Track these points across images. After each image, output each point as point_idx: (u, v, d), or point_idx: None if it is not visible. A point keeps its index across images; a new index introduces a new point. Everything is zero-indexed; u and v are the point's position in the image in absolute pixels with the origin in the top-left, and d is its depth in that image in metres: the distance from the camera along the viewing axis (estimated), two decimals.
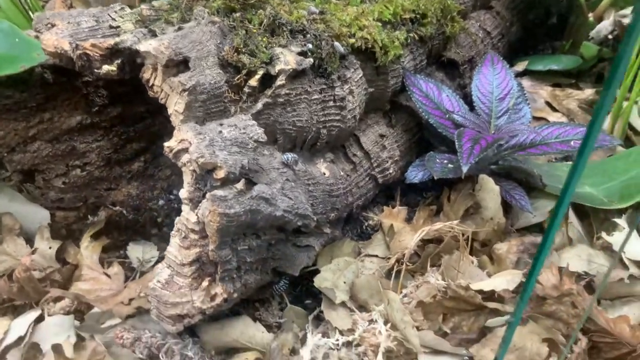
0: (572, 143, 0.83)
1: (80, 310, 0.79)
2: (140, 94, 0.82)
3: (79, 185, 0.89)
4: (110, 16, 0.71)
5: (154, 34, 0.69)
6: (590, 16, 1.08)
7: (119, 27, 0.70)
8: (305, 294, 0.82)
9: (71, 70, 0.79)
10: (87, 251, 0.83)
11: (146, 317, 0.75)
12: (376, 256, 0.84)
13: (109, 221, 0.91)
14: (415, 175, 0.88)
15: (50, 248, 0.84)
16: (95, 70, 0.67)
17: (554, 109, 1.06)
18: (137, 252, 0.87)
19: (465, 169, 0.75)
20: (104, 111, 0.86)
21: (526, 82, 1.10)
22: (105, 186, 0.91)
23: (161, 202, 0.95)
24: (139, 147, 0.92)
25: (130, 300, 0.77)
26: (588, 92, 1.09)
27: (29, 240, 0.86)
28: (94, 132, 0.87)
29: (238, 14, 0.73)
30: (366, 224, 0.89)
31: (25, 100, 0.80)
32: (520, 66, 1.10)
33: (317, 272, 0.80)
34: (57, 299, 0.79)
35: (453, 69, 0.98)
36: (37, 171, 0.87)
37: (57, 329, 0.74)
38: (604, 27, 1.38)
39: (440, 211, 0.90)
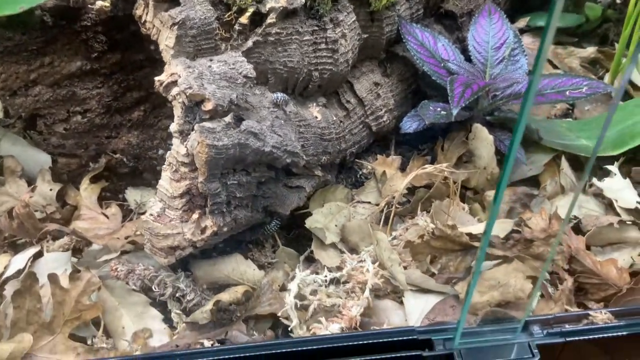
0: (567, 93, 0.83)
1: (79, 249, 0.82)
2: (139, 42, 0.84)
3: (80, 131, 0.91)
4: None
5: None
6: None
7: None
8: (299, 237, 0.83)
9: (70, 14, 0.81)
10: (86, 192, 0.86)
11: (141, 253, 0.77)
12: (369, 202, 0.85)
13: (109, 167, 0.93)
14: (410, 125, 0.88)
15: (50, 190, 0.87)
16: (90, 6, 0.69)
17: (555, 67, 1.06)
18: (135, 195, 0.89)
19: (455, 112, 0.76)
20: (104, 57, 0.87)
21: (527, 39, 1.09)
22: (105, 134, 0.93)
23: (161, 151, 0.97)
24: (138, 96, 0.93)
25: (127, 237, 0.79)
26: (590, 51, 1.08)
27: (31, 183, 0.88)
28: (94, 78, 0.89)
29: None
30: (360, 172, 0.90)
31: (26, 43, 0.82)
32: (522, 22, 1.10)
33: (310, 215, 0.81)
34: (56, 237, 0.82)
35: (451, 21, 0.98)
36: (38, 116, 0.89)
37: (55, 264, 0.77)
38: None
39: (435, 161, 0.90)
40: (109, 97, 0.91)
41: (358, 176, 0.90)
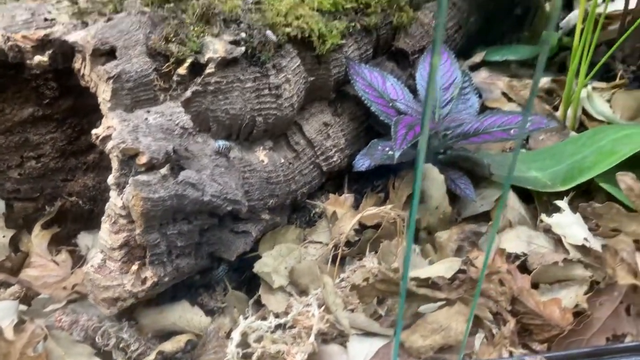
0: (511, 131, 0.84)
1: (29, 297, 0.82)
2: None
3: (35, 176, 0.92)
4: (47, 9, 0.73)
5: (85, 25, 0.71)
6: (547, 6, 1.08)
7: (54, 19, 0.72)
8: (250, 279, 0.83)
9: (18, 64, 0.82)
10: (37, 239, 0.86)
11: (87, 302, 0.77)
12: (320, 242, 0.86)
13: (64, 211, 0.94)
14: (362, 163, 0.89)
15: (3, 237, 0.87)
16: (28, 62, 0.69)
17: (510, 99, 1.07)
18: (87, 240, 0.89)
19: (397, 154, 0.77)
20: (56, 103, 0.88)
21: (484, 73, 1.10)
22: (61, 177, 0.94)
23: None
24: None
25: (74, 285, 0.79)
26: (544, 81, 1.09)
27: None
28: (47, 124, 0.90)
29: (172, 5, 0.75)
30: (313, 211, 0.90)
31: None
32: (478, 57, 1.11)
33: (260, 258, 0.81)
34: (7, 285, 0.82)
35: (404, 58, 0.99)
36: None
37: (2, 314, 0.77)
38: (574, 16, 1.38)
39: (387, 199, 0.91)
40: (63, 141, 0.92)
41: (311, 215, 0.90)
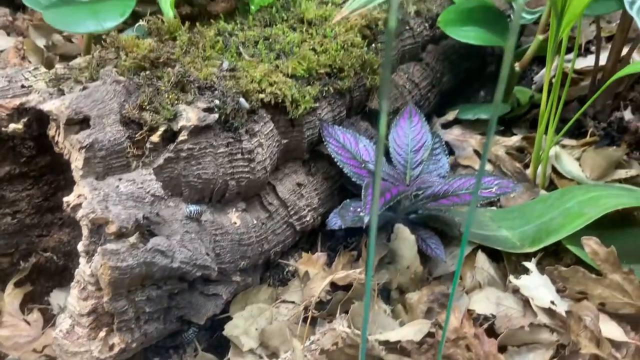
0: (479, 193, 0.86)
1: (1, 357, 0.81)
2: None
3: (10, 232, 0.92)
4: (24, 76, 0.75)
5: (62, 93, 0.73)
6: (517, 66, 1.12)
7: (30, 86, 0.74)
8: (221, 340, 0.84)
9: None
10: (9, 298, 0.86)
11: None
12: (292, 302, 0.86)
13: (39, 267, 0.94)
14: (335, 222, 0.90)
15: None
16: (3, 129, 0.71)
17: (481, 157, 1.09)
18: (59, 298, 0.89)
19: (366, 219, 0.78)
20: (33, 161, 0.89)
21: (457, 131, 1.13)
22: (36, 233, 0.94)
23: None
24: (69, 194, 0.95)
25: (44, 347, 0.79)
26: (515, 139, 1.12)
27: None
28: (24, 181, 0.90)
29: (147, 72, 0.77)
30: (287, 269, 0.91)
31: None
32: (451, 115, 1.14)
33: (231, 319, 0.82)
34: None
35: (377, 119, 1.01)
36: None
37: None
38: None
39: (360, 257, 0.92)
40: (39, 197, 0.93)
41: (284, 273, 0.91)
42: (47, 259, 0.94)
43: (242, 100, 0.78)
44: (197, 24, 0.92)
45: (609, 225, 0.94)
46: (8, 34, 1.34)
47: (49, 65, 1.26)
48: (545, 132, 1.01)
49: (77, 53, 1.25)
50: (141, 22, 0.86)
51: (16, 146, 0.87)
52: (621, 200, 0.91)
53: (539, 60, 1.42)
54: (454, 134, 1.12)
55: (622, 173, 1.08)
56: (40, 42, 1.27)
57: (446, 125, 1.15)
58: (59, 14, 0.93)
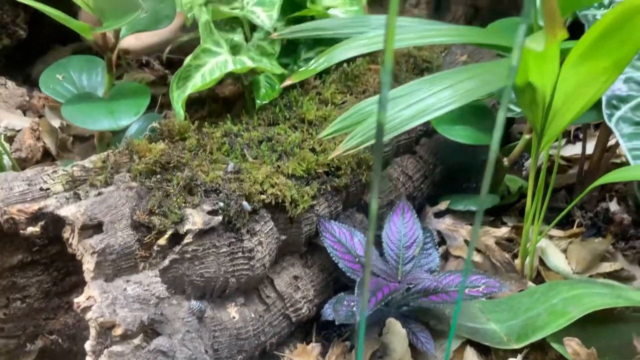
0: (466, 291, 0.90)
1: None
2: None
3: (19, 316, 0.96)
4: (43, 179, 0.81)
5: (77, 197, 0.78)
6: (506, 161, 1.19)
7: (49, 189, 0.80)
8: None
9: None
10: None
11: None
12: None
13: (45, 350, 0.97)
14: (329, 313, 0.94)
15: None
16: (21, 232, 0.76)
17: None
18: None
19: (358, 318, 0.82)
20: (44, 249, 0.94)
21: (449, 220, 1.18)
22: (44, 316, 0.98)
23: None
24: (77, 280, 0.99)
25: None
26: (504, 230, 1.17)
27: None
28: (35, 267, 0.95)
29: (158, 176, 0.83)
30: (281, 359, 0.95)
31: None
32: (443, 205, 1.20)
33: None
34: None
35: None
36: None
37: None
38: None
39: (352, 349, 0.96)
40: (48, 283, 0.97)
41: None
42: (53, 341, 0.98)
43: (245, 203, 0.83)
44: (206, 123, 0.99)
45: (593, 322, 0.97)
46: (24, 113, 1.41)
47: (63, 146, 1.33)
48: (533, 222, 1.07)
49: (91, 134, 1.33)
50: (154, 124, 0.93)
51: (30, 237, 0.92)
52: (604, 300, 0.95)
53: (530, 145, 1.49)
54: (445, 224, 1.17)
55: (607, 266, 1.13)
56: (56, 123, 1.34)
57: (438, 215, 1.20)
58: (77, 111, 1.00)
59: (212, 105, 1.14)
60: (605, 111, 0.95)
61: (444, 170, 1.23)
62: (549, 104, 0.70)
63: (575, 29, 1.06)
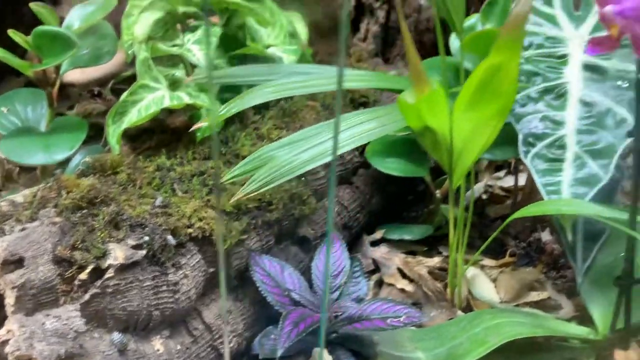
0: (388, 321, 0.94)
1: None
2: None
3: None
4: None
5: (2, 233, 0.81)
6: (438, 193, 1.23)
7: None
8: None
9: None
10: None
11: None
12: None
13: None
14: (258, 348, 0.97)
15: None
16: None
17: (405, 275, 1.18)
18: None
19: (279, 352, 0.85)
20: None
21: (384, 249, 1.22)
22: None
23: None
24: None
25: None
26: (436, 260, 1.21)
27: None
28: None
29: (84, 211, 0.85)
30: None
31: None
32: (379, 234, 1.24)
33: None
34: None
35: (307, 242, 1.10)
36: None
37: None
38: (477, 189, 1.54)
39: None
40: None
41: None
42: None
43: (169, 237, 0.86)
44: (141, 157, 1.01)
45: (517, 351, 1.01)
46: None
47: (9, 176, 1.34)
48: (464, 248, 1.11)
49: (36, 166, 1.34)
50: (87, 159, 0.96)
51: None
52: (523, 329, 0.99)
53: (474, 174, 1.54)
54: (380, 252, 1.21)
55: (534, 295, 1.17)
56: (2, 154, 1.36)
57: (374, 243, 1.24)
58: (15, 145, 1.03)
59: (160, 136, 1.16)
60: (521, 148, 1.00)
61: (381, 200, 1.28)
62: (450, 145, 0.74)
63: None
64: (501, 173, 1.62)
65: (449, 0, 0.79)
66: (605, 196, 1.04)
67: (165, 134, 1.14)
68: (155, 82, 1.08)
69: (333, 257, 1.02)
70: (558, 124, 1.01)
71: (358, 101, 1.26)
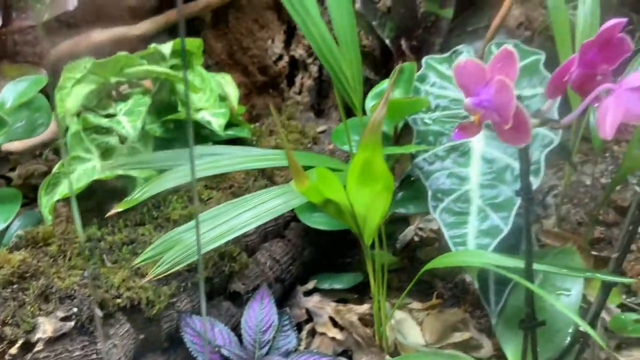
0: None
1: None
2: None
3: None
4: None
5: None
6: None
7: None
8: None
9: None
10: None
11: None
12: None
13: None
14: None
15: None
16: None
17: (336, 324, 1.24)
18: None
19: None
20: None
21: (316, 298, 1.29)
22: None
23: None
24: None
25: None
26: (365, 307, 1.28)
27: None
28: None
29: (15, 286, 0.90)
30: None
31: None
32: (311, 284, 1.30)
33: None
34: None
35: (239, 297, 1.16)
36: None
37: None
38: (408, 232, 1.62)
39: None
40: None
41: None
42: None
43: (97, 310, 0.91)
44: (73, 227, 1.06)
45: None
46: None
47: None
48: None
49: None
50: (20, 232, 1.00)
51: None
52: None
53: (402, 220, 1.61)
54: (313, 302, 1.27)
55: (457, 336, 1.25)
56: None
57: (308, 293, 1.30)
58: None
59: (95, 201, 1.21)
60: (431, 203, 1.09)
61: (314, 251, 1.34)
62: (353, 212, 0.82)
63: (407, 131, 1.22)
64: (431, 216, 1.71)
65: (346, 84, 0.88)
66: (512, 245, 1.14)
67: (99, 198, 1.19)
68: (86, 152, 1.13)
69: (262, 313, 1.08)
70: (463, 179, 1.10)
71: (269, 174, 1.31)
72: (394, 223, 1.51)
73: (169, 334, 1.03)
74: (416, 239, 1.62)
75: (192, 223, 0.80)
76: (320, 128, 1.48)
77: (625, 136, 0.68)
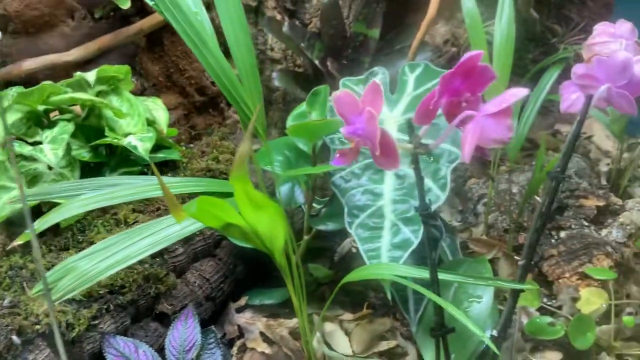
0: None
1: None
2: None
3: None
4: None
5: None
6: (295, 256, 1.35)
7: None
8: None
9: None
10: None
11: None
12: None
13: None
14: None
15: None
16: None
17: (267, 338, 1.28)
18: None
19: None
20: None
21: (248, 314, 1.32)
22: None
23: None
24: None
25: None
26: (295, 321, 1.32)
27: None
28: None
29: None
30: None
31: None
32: (243, 301, 1.34)
33: None
34: None
35: (167, 318, 1.19)
36: None
37: None
38: (347, 243, 1.67)
39: None
40: None
41: None
42: None
43: (15, 338, 0.93)
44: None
45: None
46: None
47: None
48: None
49: None
50: None
51: None
52: None
53: (343, 233, 1.66)
54: (245, 318, 1.31)
55: (384, 345, 1.30)
56: None
57: (240, 310, 1.34)
58: None
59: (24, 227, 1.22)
60: (347, 219, 1.14)
61: (246, 268, 1.38)
62: (257, 234, 0.85)
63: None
64: None
65: (250, 114, 0.93)
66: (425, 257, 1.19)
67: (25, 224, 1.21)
68: (12, 181, 1.15)
69: (185, 332, 1.11)
70: (377, 195, 1.15)
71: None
72: (333, 237, 1.56)
73: (92, 354, 1.05)
74: (353, 250, 1.66)
75: (86, 251, 0.83)
76: (256, 147, 1.51)
77: (486, 157, 0.73)
